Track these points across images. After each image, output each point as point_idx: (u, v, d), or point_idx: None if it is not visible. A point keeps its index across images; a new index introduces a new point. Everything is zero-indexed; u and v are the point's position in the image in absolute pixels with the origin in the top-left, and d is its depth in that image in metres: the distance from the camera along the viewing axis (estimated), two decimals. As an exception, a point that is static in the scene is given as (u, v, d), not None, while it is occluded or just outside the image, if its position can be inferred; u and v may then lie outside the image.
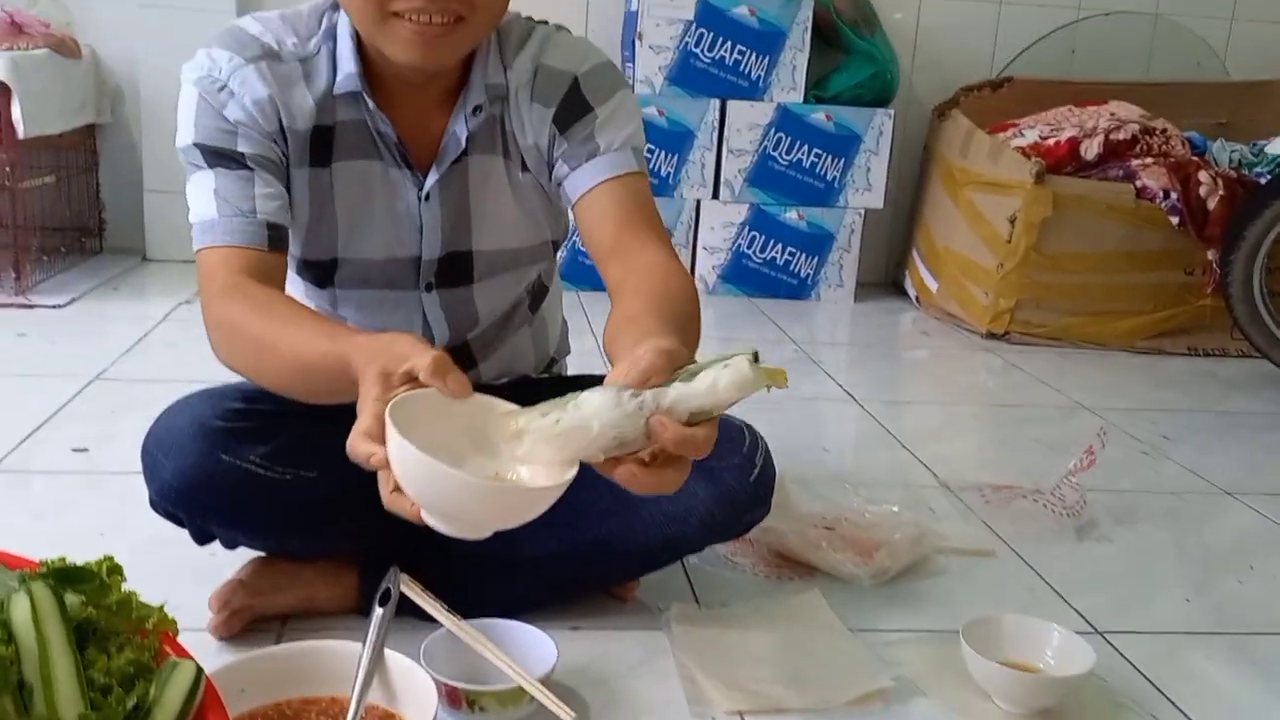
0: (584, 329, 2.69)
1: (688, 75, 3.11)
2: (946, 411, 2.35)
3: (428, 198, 1.24)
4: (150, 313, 2.61)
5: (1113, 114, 2.98)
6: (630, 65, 3.15)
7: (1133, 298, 2.88)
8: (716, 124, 3.13)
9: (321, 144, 1.21)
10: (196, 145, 1.15)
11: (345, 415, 1.26)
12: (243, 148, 1.15)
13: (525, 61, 1.23)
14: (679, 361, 0.87)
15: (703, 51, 3.10)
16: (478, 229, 1.28)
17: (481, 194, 1.27)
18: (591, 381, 1.18)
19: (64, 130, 2.83)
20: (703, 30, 3.08)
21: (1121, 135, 2.88)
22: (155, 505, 1.18)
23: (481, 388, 1.33)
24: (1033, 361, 2.73)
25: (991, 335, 2.91)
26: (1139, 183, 2.80)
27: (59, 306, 2.60)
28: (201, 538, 1.22)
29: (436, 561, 1.24)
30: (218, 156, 1.14)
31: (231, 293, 1.10)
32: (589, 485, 1.26)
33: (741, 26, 3.08)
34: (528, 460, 0.88)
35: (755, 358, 0.85)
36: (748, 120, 3.14)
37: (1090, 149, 2.88)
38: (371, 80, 1.19)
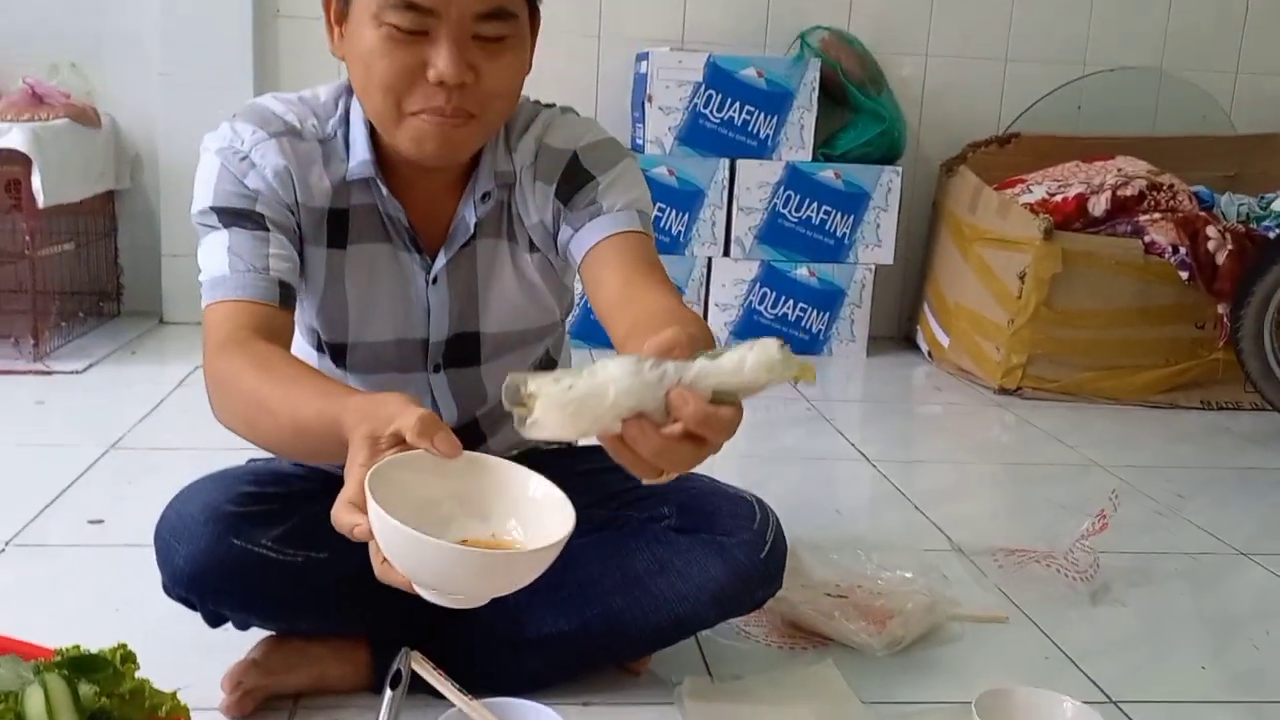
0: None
1: (697, 136, 3.15)
2: (960, 470, 2.34)
3: (435, 281, 1.27)
4: (167, 376, 2.63)
5: (1120, 169, 3.00)
6: (640, 126, 3.19)
7: (1145, 352, 2.87)
8: (726, 182, 3.17)
9: (337, 226, 1.24)
10: (213, 208, 1.17)
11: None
12: (261, 209, 1.17)
13: (529, 143, 1.26)
14: (701, 346, 0.83)
15: (711, 112, 3.14)
16: (485, 312, 1.31)
17: (488, 277, 1.29)
18: (600, 451, 1.19)
19: (84, 197, 2.88)
20: (711, 91, 3.12)
21: (1129, 191, 2.90)
22: (168, 590, 1.19)
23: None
24: (1046, 417, 2.72)
25: (1004, 391, 2.91)
26: (1147, 238, 2.81)
27: (77, 372, 2.63)
28: (214, 621, 1.22)
29: (448, 639, 1.25)
30: (234, 216, 1.16)
31: (232, 348, 1.10)
32: (597, 561, 1.29)
33: (749, 88, 3.12)
34: (538, 428, 0.79)
35: (785, 346, 0.81)
36: (757, 179, 3.17)
37: (1098, 205, 2.89)
38: (384, 165, 1.22)
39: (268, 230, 1.16)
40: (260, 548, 1.17)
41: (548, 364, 1.44)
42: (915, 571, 1.63)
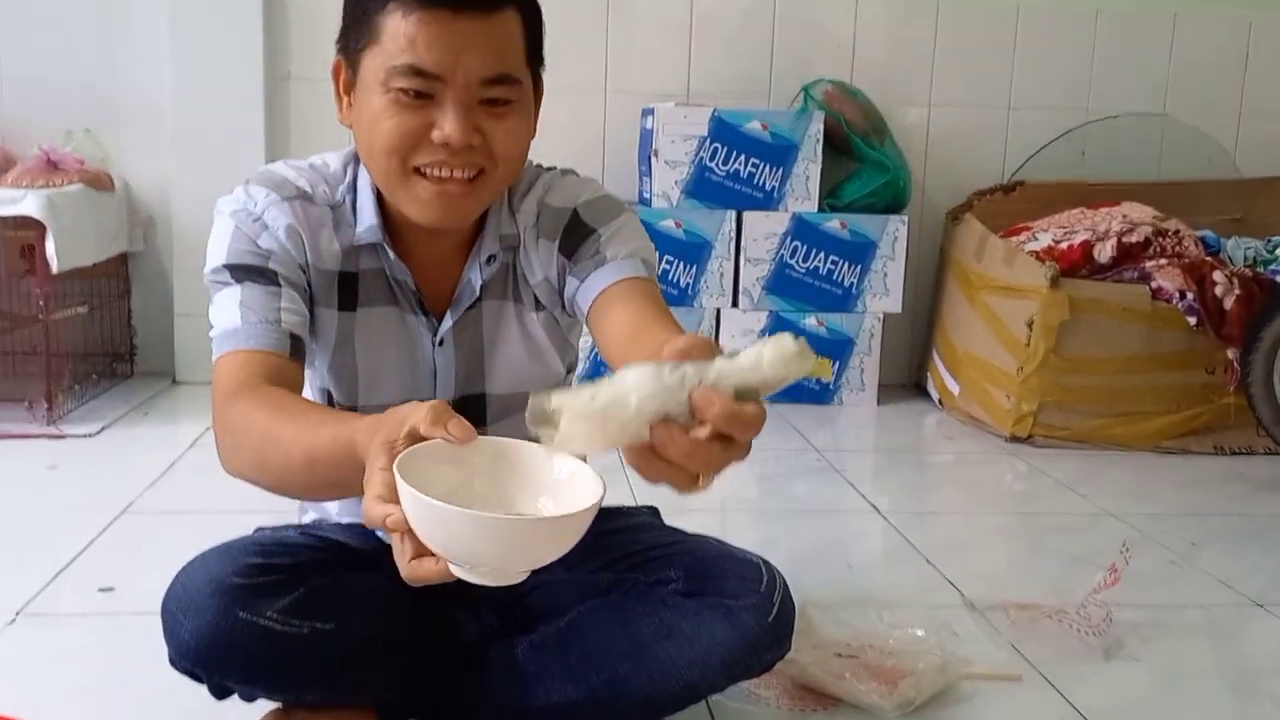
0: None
1: (703, 188, 3.17)
2: (971, 522, 2.33)
3: (441, 343, 1.29)
4: (179, 438, 2.65)
5: (1125, 216, 3.01)
6: (647, 180, 3.22)
7: (1156, 398, 2.86)
8: (733, 234, 3.18)
9: (347, 289, 1.27)
10: (226, 265, 1.19)
11: (361, 564, 1.29)
12: (274, 266, 1.19)
13: (530, 204, 1.29)
14: (716, 351, 0.83)
15: (717, 165, 3.16)
16: (490, 373, 1.32)
17: (494, 339, 1.31)
18: (608, 513, 1.19)
19: (97, 260, 2.91)
20: (717, 145, 3.15)
21: (1135, 238, 2.90)
22: (174, 663, 1.19)
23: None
24: (1057, 465, 2.71)
25: (1015, 439, 2.90)
26: (1154, 284, 2.81)
27: (90, 435, 2.65)
28: (220, 693, 1.22)
29: (455, 709, 1.25)
30: (247, 272, 1.19)
31: (244, 393, 1.11)
32: (604, 627, 1.28)
33: (754, 141, 3.15)
34: (566, 446, 0.81)
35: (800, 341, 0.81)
36: (764, 230, 3.19)
37: (1104, 252, 2.90)
38: (391, 230, 1.25)
39: (280, 285, 1.19)
40: (266, 619, 1.16)
41: None
42: (927, 629, 1.62)
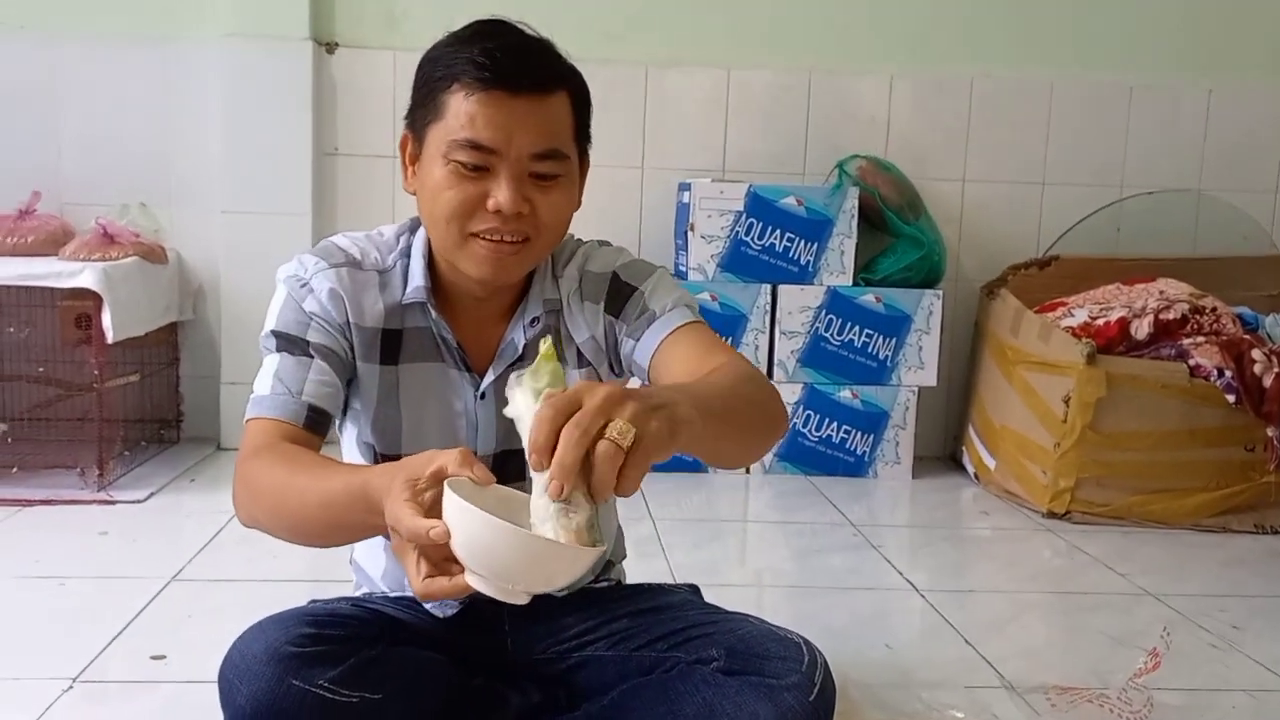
0: (642, 514, 2.73)
1: (739, 262, 3.22)
2: (1009, 600, 2.32)
3: (483, 397, 1.37)
4: (224, 505, 2.66)
5: (1161, 292, 3.02)
6: (683, 254, 3.27)
7: (1195, 475, 2.86)
8: (769, 307, 3.22)
9: (390, 345, 1.36)
10: (273, 332, 1.32)
11: (409, 638, 1.33)
12: (311, 336, 1.31)
13: (573, 271, 1.41)
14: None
15: (753, 240, 3.22)
16: None
17: None
18: (649, 591, 1.26)
19: (149, 330, 2.99)
20: (752, 220, 3.20)
21: (1171, 314, 2.91)
22: (230, 729, 1.22)
23: (543, 600, 1.39)
24: (1095, 543, 2.70)
25: (1052, 514, 2.89)
26: (1192, 361, 2.82)
27: (138, 502, 2.70)
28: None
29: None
30: (286, 342, 1.31)
31: (260, 451, 1.23)
32: (645, 707, 1.30)
33: (790, 216, 3.20)
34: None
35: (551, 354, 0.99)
36: (799, 303, 3.23)
37: (1141, 329, 2.91)
38: (438, 294, 1.37)
39: (312, 357, 1.30)
40: (317, 688, 1.21)
41: None
42: (966, 712, 1.62)
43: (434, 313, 1.35)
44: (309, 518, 1.15)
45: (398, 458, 1.34)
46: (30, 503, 2.63)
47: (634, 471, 0.92)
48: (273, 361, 1.30)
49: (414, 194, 1.33)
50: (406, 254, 1.38)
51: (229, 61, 3.19)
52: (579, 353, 1.40)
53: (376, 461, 1.40)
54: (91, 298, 2.69)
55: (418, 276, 1.35)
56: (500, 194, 1.24)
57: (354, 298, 1.33)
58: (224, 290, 3.26)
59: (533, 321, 1.37)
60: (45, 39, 3.20)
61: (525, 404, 0.98)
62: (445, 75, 1.25)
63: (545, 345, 1.01)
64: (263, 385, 1.29)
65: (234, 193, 3.23)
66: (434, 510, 0.98)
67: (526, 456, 0.94)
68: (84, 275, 2.68)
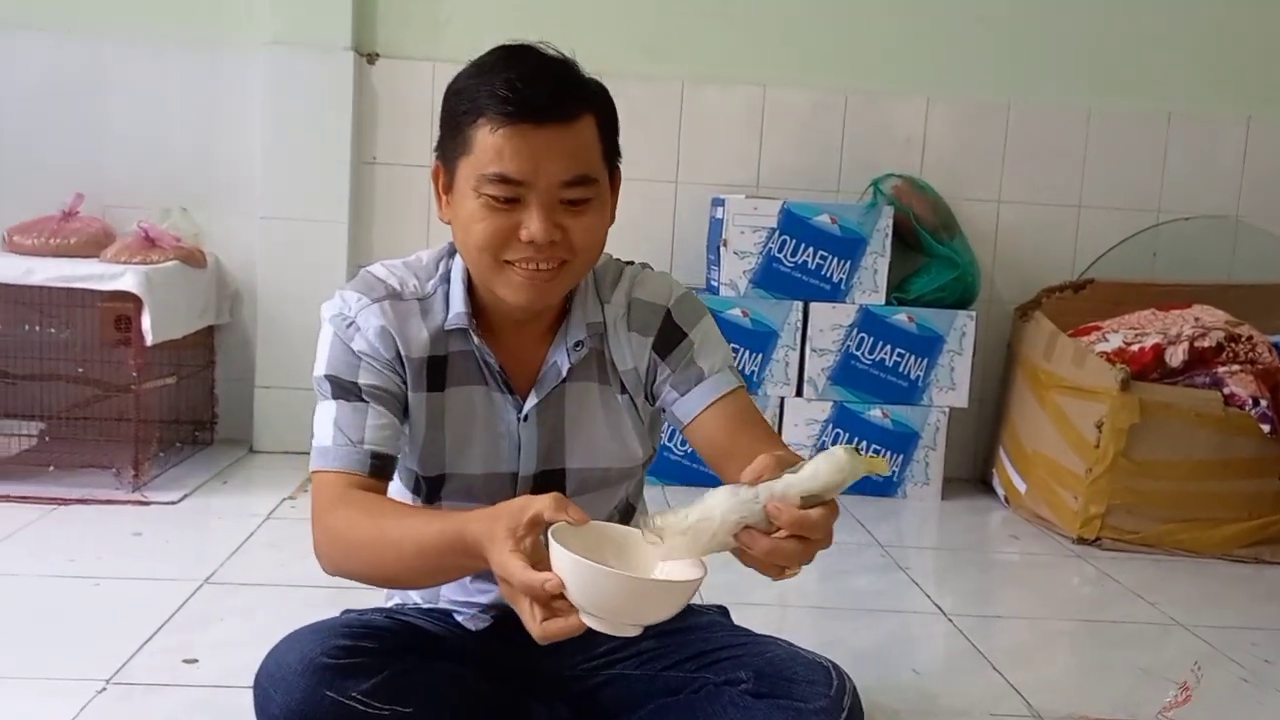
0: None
1: (771, 279, 3.22)
2: (1038, 628, 2.31)
3: (526, 419, 1.38)
4: (256, 508, 2.73)
5: (1197, 319, 3.00)
6: (716, 269, 3.28)
7: (1227, 505, 2.83)
8: (800, 324, 3.22)
9: (435, 372, 1.37)
10: (327, 377, 1.33)
11: (441, 649, 1.35)
12: (363, 379, 1.31)
13: (620, 297, 1.41)
14: (787, 464, 1.05)
15: (785, 257, 3.22)
16: (571, 448, 1.41)
17: (577, 416, 1.40)
18: (679, 614, 1.29)
19: (187, 333, 3.02)
20: (785, 237, 3.21)
21: (1207, 342, 2.89)
22: (263, 738, 1.24)
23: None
24: (1125, 571, 2.68)
25: (1083, 541, 2.87)
26: (1227, 390, 2.79)
27: (172, 503, 2.73)
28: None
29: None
30: (341, 389, 1.31)
31: (338, 504, 1.26)
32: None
33: (823, 233, 3.20)
34: (670, 555, 1.06)
35: (857, 449, 1.02)
36: (830, 321, 3.23)
37: (1175, 356, 2.89)
38: (479, 317, 1.37)
39: (367, 402, 1.31)
40: (350, 699, 1.23)
41: (628, 511, 1.52)
42: (993, 740, 1.62)
43: (476, 338, 1.36)
44: (408, 567, 1.20)
45: (440, 479, 1.40)
46: (66, 501, 2.67)
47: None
48: (330, 409, 1.31)
49: (449, 223, 1.33)
50: (446, 279, 1.39)
51: (272, 69, 3.23)
52: (622, 383, 1.41)
53: (419, 486, 1.42)
54: (132, 300, 2.73)
55: (459, 302, 1.36)
56: (532, 225, 1.24)
57: (400, 330, 1.34)
58: (260, 295, 3.29)
59: (576, 345, 1.37)
60: (92, 42, 3.25)
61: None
62: (470, 109, 1.25)
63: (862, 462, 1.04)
64: (323, 434, 1.30)
65: (273, 199, 3.26)
66: (534, 554, 1.06)
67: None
68: (125, 278, 2.72)
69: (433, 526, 1.16)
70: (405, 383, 1.35)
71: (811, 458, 1.03)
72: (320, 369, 1.34)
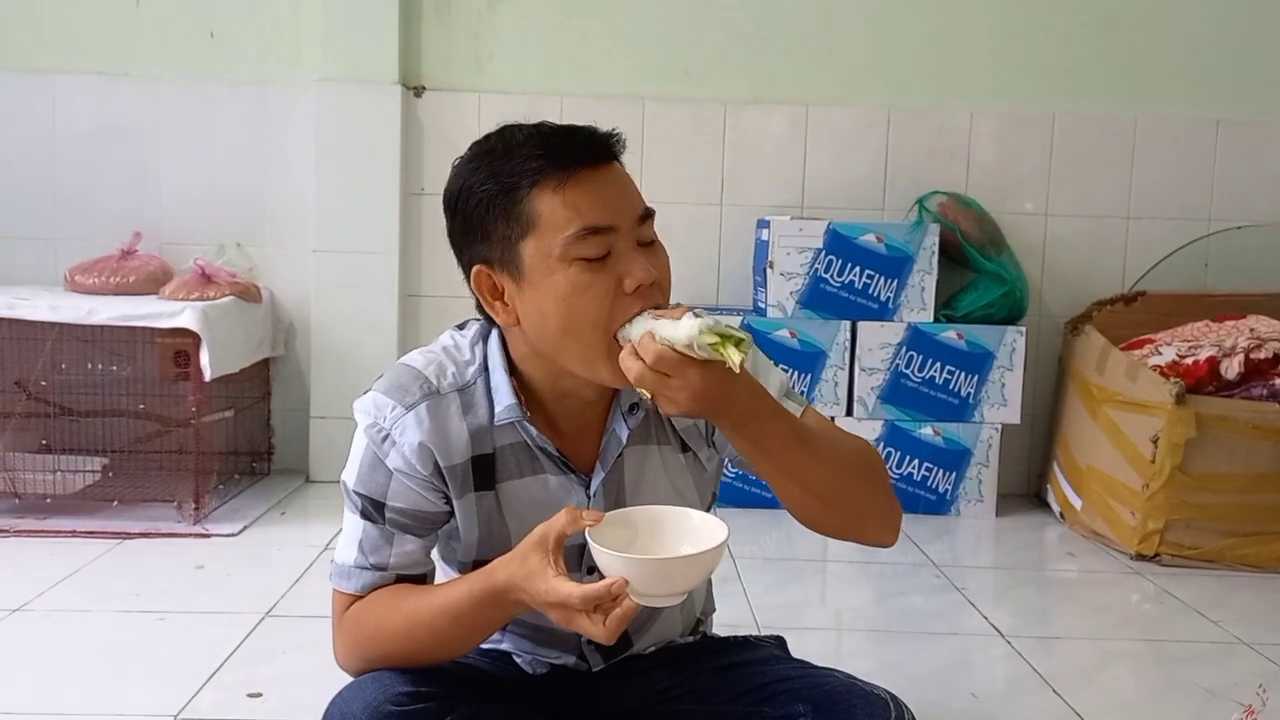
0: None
1: (818, 299, 3.22)
2: (1098, 648, 2.29)
3: (594, 495, 1.34)
4: (314, 538, 2.77)
5: (1252, 330, 2.96)
6: (762, 291, 3.29)
7: (1288, 519, 2.79)
8: (848, 344, 3.22)
9: (484, 471, 1.31)
10: (356, 493, 1.29)
11: (501, 694, 1.36)
12: (392, 502, 1.28)
13: None
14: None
15: (832, 277, 3.22)
16: None
17: (638, 479, 1.37)
18: (735, 645, 1.33)
19: (243, 367, 3.08)
20: (831, 257, 3.21)
21: (1263, 354, 2.85)
22: (329, 783, 1.26)
23: (632, 658, 1.40)
24: (1186, 587, 2.64)
25: (1141, 557, 2.84)
26: (1285, 402, 2.75)
27: (232, 535, 2.79)
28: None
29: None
30: (370, 506, 1.29)
31: (359, 609, 1.29)
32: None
33: (869, 253, 3.20)
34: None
35: (731, 339, 1.11)
36: (879, 340, 3.22)
37: (1231, 368, 2.85)
38: (527, 403, 1.30)
39: (394, 531, 1.29)
40: None
41: None
42: (1055, 768, 1.60)
43: (532, 429, 1.29)
44: (445, 638, 1.24)
45: None
46: (130, 535, 2.73)
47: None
48: (356, 526, 1.29)
49: (514, 324, 1.25)
50: (484, 368, 1.31)
51: (321, 105, 3.30)
52: (681, 440, 1.38)
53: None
54: (190, 337, 2.79)
55: (505, 394, 1.29)
56: (635, 268, 1.19)
57: (439, 439, 1.27)
58: (314, 326, 3.35)
59: (631, 409, 1.32)
60: (147, 85, 3.34)
61: (687, 331, 1.13)
62: (511, 186, 1.20)
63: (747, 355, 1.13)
64: (347, 551, 1.30)
65: (325, 232, 3.32)
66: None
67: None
68: (184, 316, 2.78)
69: (459, 591, 1.21)
70: (446, 494, 1.30)
71: (700, 316, 1.13)
72: (350, 480, 1.29)
